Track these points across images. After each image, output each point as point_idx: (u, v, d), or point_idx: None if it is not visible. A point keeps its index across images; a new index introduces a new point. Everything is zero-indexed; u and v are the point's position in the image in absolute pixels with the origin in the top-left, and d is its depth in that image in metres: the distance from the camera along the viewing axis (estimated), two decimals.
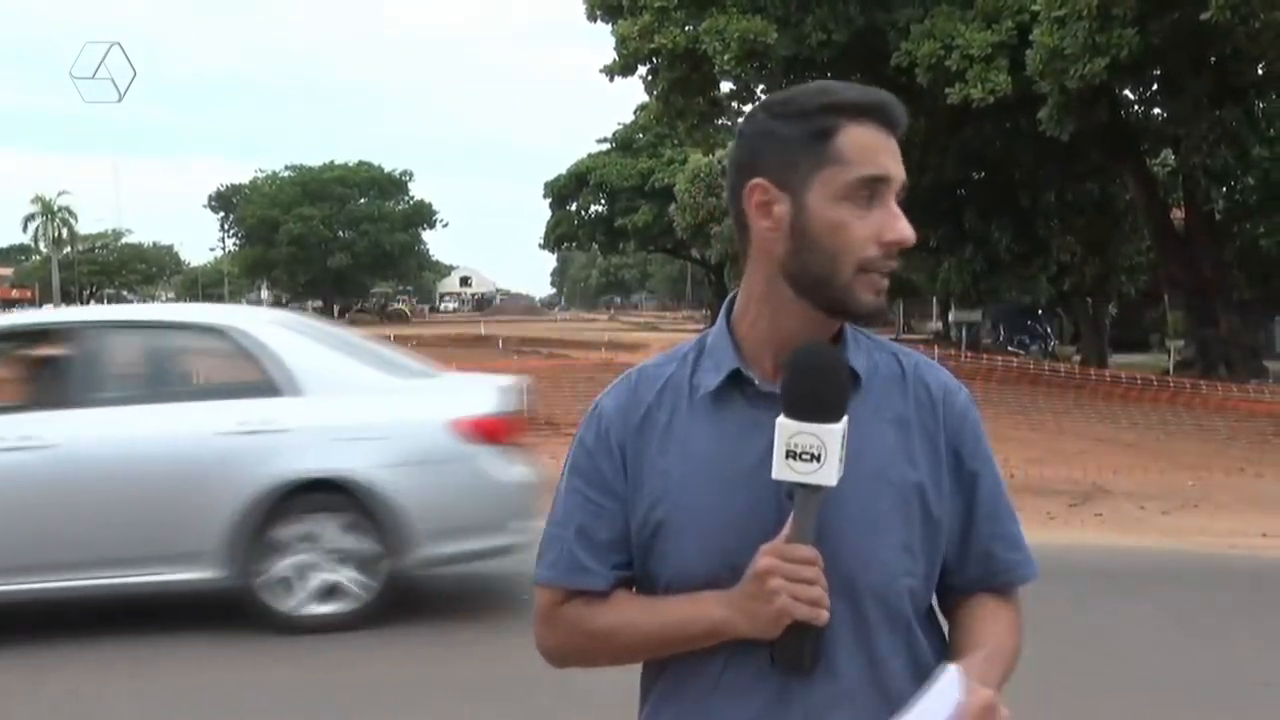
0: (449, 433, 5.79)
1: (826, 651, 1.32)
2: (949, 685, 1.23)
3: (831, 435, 1.25)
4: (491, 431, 5.88)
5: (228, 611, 5.77)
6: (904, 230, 1.32)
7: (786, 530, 1.29)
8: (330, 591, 5.74)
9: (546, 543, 1.45)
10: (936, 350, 18.67)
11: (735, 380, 1.37)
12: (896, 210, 1.33)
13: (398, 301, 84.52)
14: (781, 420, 1.27)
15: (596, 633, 1.42)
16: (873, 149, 1.33)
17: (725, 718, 1.35)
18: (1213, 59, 18.33)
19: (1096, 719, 4.69)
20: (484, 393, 6.27)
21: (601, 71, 21.57)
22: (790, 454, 1.26)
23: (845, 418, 1.28)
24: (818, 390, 1.27)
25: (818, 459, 1.25)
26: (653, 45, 19.93)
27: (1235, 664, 5.30)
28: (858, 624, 1.34)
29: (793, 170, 1.34)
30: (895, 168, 1.34)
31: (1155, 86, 20.17)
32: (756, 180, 1.35)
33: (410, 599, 6.03)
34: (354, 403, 5.88)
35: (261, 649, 5.52)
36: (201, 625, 5.83)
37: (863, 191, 1.32)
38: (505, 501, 5.90)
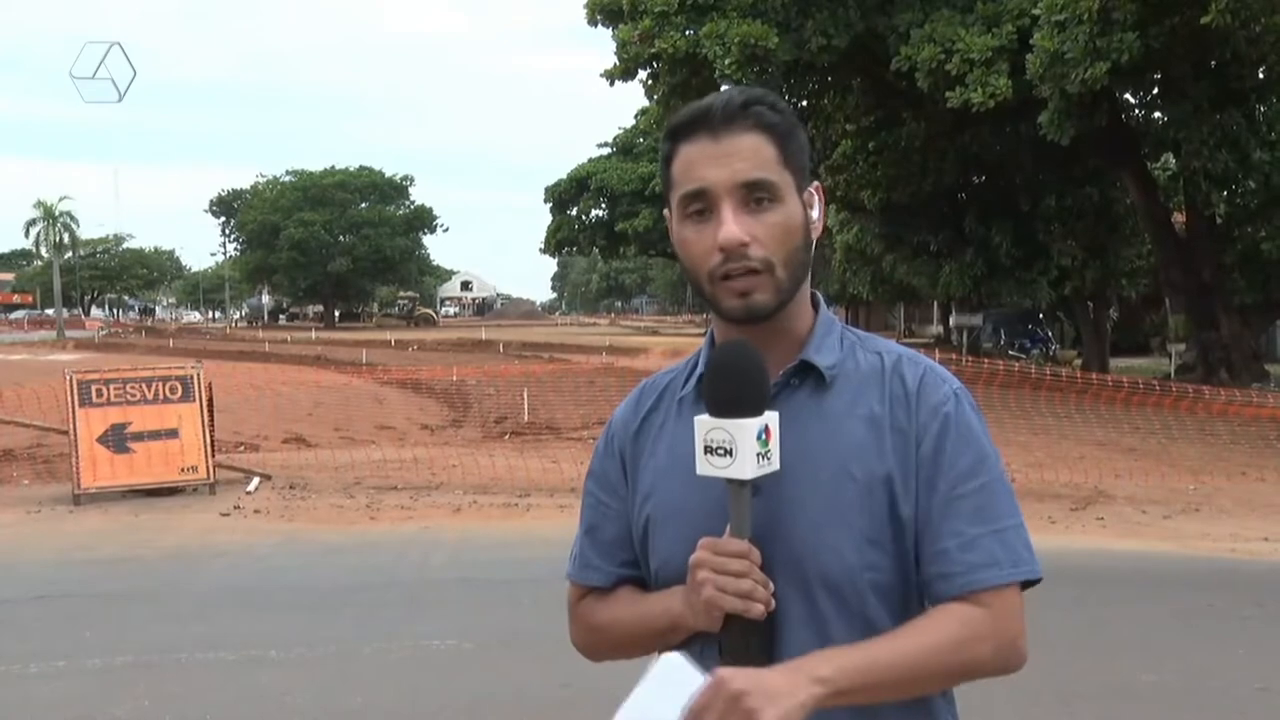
0: None
1: (782, 643, 1.33)
2: (674, 670, 1.25)
3: (742, 430, 1.27)
4: None
5: None
6: (724, 234, 1.32)
7: (729, 524, 1.32)
8: None
9: (573, 542, 1.57)
10: (937, 354, 18.65)
11: None
12: (724, 215, 1.33)
13: (410, 304, 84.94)
14: (698, 417, 1.32)
15: (597, 626, 1.52)
16: (691, 164, 1.36)
17: None
18: (1213, 63, 18.36)
19: None
20: None
21: (602, 76, 21.60)
22: (708, 449, 1.29)
23: (770, 413, 1.30)
24: (730, 387, 1.30)
25: (731, 453, 1.27)
26: (653, 50, 19.95)
27: (1235, 668, 5.30)
28: (812, 617, 1.34)
29: (667, 198, 1.43)
30: (716, 173, 1.34)
31: (1156, 91, 20.19)
32: (666, 209, 1.45)
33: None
34: None
35: None
36: None
37: (693, 207, 1.36)
38: None
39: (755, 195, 1.34)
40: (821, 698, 1.23)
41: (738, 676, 1.22)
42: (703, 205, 1.35)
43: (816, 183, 1.43)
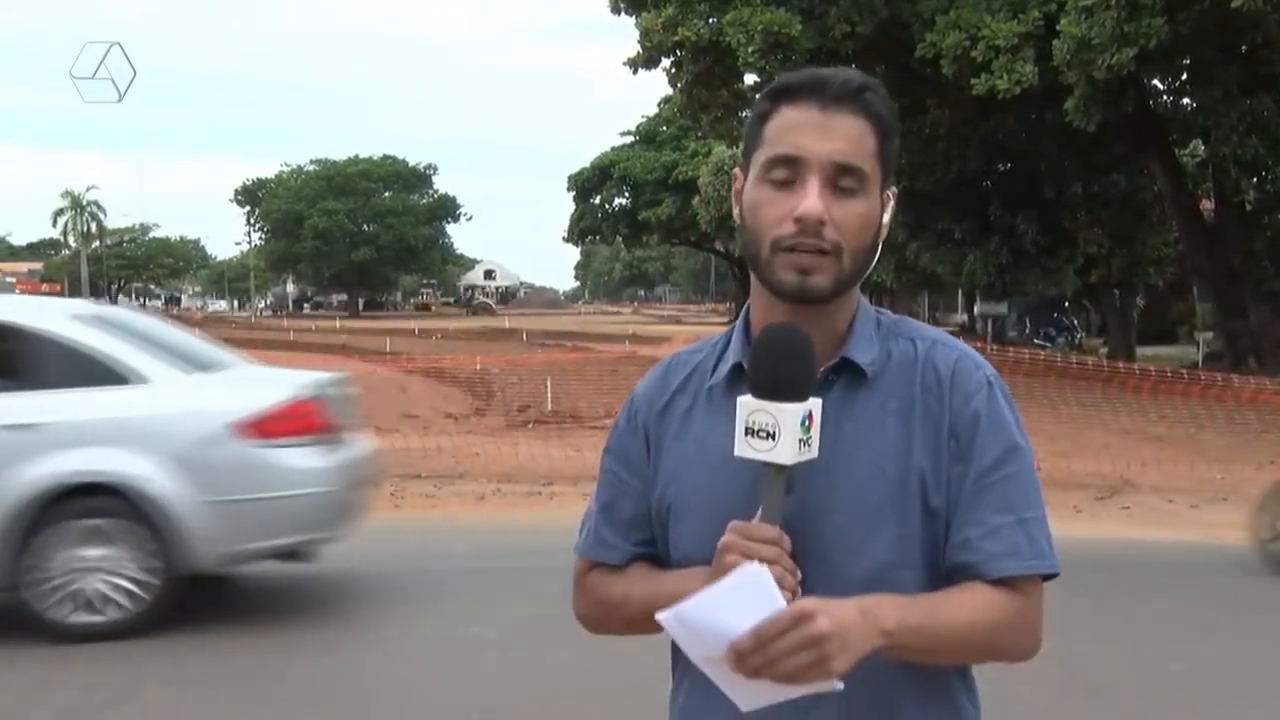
0: (230, 429, 5.56)
1: None
2: (754, 584, 1.19)
3: (785, 414, 1.25)
4: (281, 426, 5.66)
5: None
6: (806, 206, 1.29)
7: (760, 510, 1.29)
8: (103, 598, 5.43)
9: (585, 517, 1.55)
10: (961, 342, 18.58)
11: (741, 372, 1.39)
12: (810, 189, 1.30)
13: (471, 294, 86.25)
14: (741, 399, 1.29)
15: (607, 601, 1.50)
16: (791, 128, 1.32)
17: (722, 693, 1.35)
18: (1243, 48, 18.13)
19: (1121, 711, 4.66)
20: (280, 386, 6.04)
21: (625, 64, 21.57)
22: (749, 431, 1.27)
23: (814, 400, 1.28)
24: (776, 370, 1.27)
25: (773, 437, 1.26)
26: (676, 38, 19.90)
27: (1262, 657, 5.26)
28: None
29: (748, 155, 1.38)
30: (816, 145, 1.30)
31: (1184, 76, 19.96)
32: (737, 168, 1.42)
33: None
34: (130, 398, 5.64)
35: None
36: None
37: (778, 171, 1.32)
38: (301, 498, 5.66)
39: (844, 181, 1.31)
40: (878, 648, 1.23)
41: (821, 615, 1.18)
42: (789, 174, 1.31)
43: (894, 188, 1.41)
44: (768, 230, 1.32)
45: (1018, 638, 1.35)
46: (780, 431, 1.25)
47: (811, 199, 1.29)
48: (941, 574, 1.36)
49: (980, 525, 1.34)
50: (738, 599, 1.18)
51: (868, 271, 1.38)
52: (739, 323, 1.45)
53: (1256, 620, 5.94)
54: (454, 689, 4.92)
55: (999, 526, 1.34)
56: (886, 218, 1.38)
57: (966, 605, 1.32)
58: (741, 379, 1.38)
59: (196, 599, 6.42)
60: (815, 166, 1.30)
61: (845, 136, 1.31)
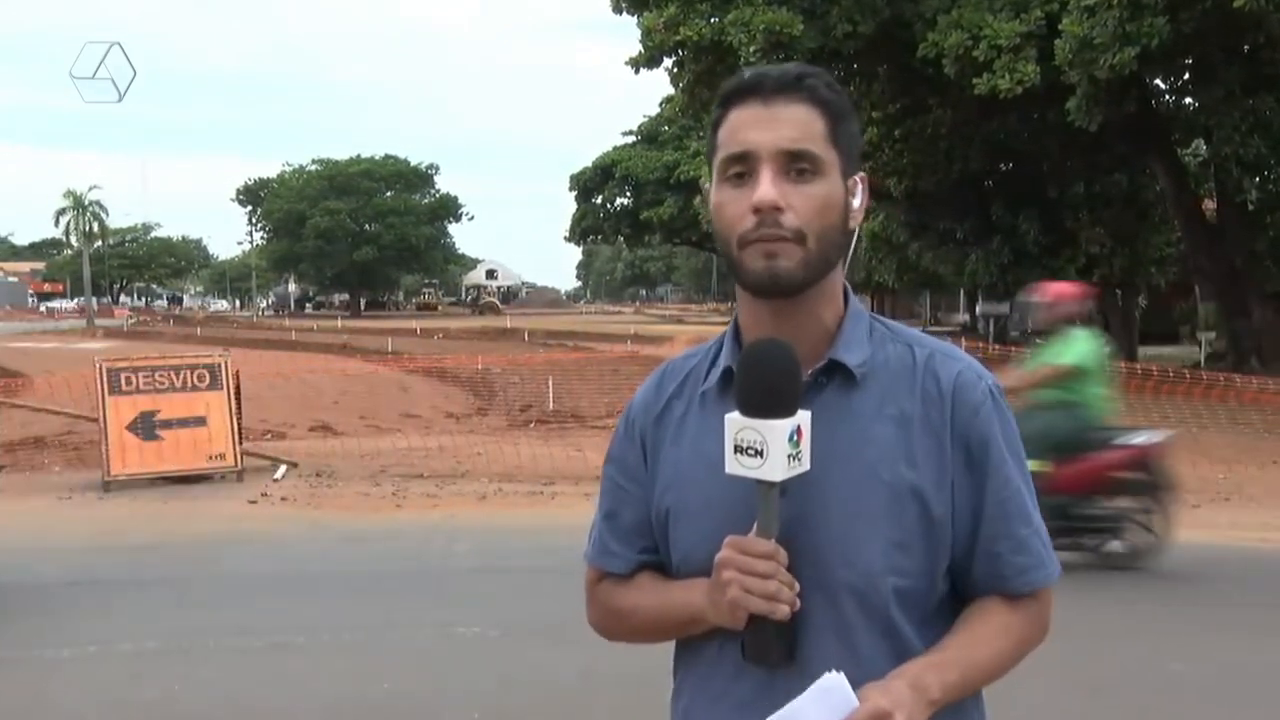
0: None
1: (805, 646, 1.32)
2: (832, 691, 1.23)
3: (773, 431, 1.25)
4: None
5: None
6: (760, 194, 1.30)
7: (756, 524, 1.30)
8: None
9: (592, 526, 1.56)
10: (964, 342, 18.58)
11: (733, 376, 1.38)
12: (762, 179, 1.31)
13: (477, 293, 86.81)
14: (729, 416, 1.29)
15: (617, 611, 1.51)
16: (739, 127, 1.34)
17: (723, 697, 1.39)
18: (1245, 47, 18.12)
19: (1122, 711, 4.65)
20: None
21: (627, 64, 21.56)
22: (738, 449, 1.27)
23: (802, 413, 1.27)
24: (763, 387, 1.27)
25: (761, 454, 1.25)
26: (678, 37, 19.89)
27: (1265, 657, 5.26)
28: (836, 621, 1.33)
29: (710, 165, 1.40)
30: (760, 137, 1.32)
31: (1186, 76, 19.94)
32: (708, 182, 1.43)
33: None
34: None
35: None
36: None
37: (733, 170, 1.34)
38: None
39: (797, 165, 1.32)
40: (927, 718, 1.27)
41: (898, 712, 1.22)
42: (743, 169, 1.33)
43: (862, 173, 1.40)
44: (732, 228, 1.34)
45: (1036, 642, 1.42)
46: (768, 449, 1.25)
47: (765, 187, 1.30)
48: (938, 588, 1.37)
49: (1010, 539, 1.37)
50: (820, 707, 1.24)
51: (844, 256, 1.38)
52: (729, 328, 1.46)
53: (1258, 620, 5.93)
54: (458, 689, 4.92)
55: (1025, 538, 1.38)
56: (856, 202, 1.38)
57: (988, 636, 1.36)
58: (733, 383, 1.37)
59: (192, 602, 6.41)
60: (765, 157, 1.32)
61: (791, 124, 1.32)
